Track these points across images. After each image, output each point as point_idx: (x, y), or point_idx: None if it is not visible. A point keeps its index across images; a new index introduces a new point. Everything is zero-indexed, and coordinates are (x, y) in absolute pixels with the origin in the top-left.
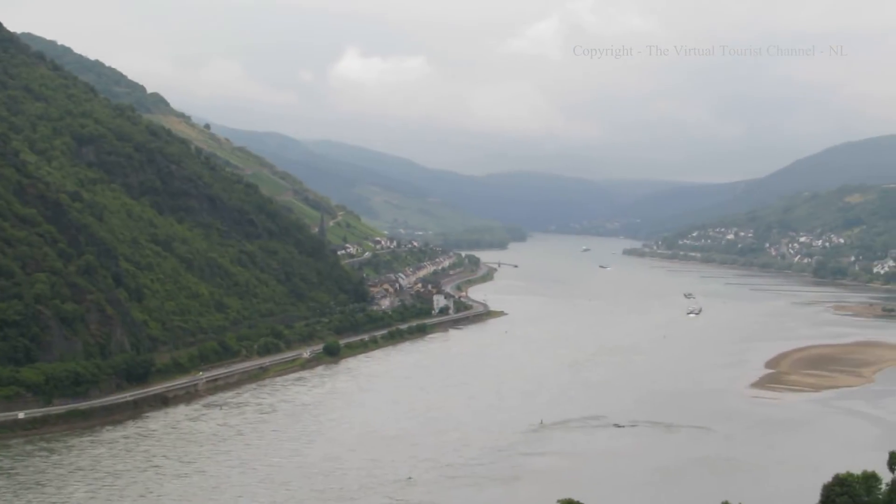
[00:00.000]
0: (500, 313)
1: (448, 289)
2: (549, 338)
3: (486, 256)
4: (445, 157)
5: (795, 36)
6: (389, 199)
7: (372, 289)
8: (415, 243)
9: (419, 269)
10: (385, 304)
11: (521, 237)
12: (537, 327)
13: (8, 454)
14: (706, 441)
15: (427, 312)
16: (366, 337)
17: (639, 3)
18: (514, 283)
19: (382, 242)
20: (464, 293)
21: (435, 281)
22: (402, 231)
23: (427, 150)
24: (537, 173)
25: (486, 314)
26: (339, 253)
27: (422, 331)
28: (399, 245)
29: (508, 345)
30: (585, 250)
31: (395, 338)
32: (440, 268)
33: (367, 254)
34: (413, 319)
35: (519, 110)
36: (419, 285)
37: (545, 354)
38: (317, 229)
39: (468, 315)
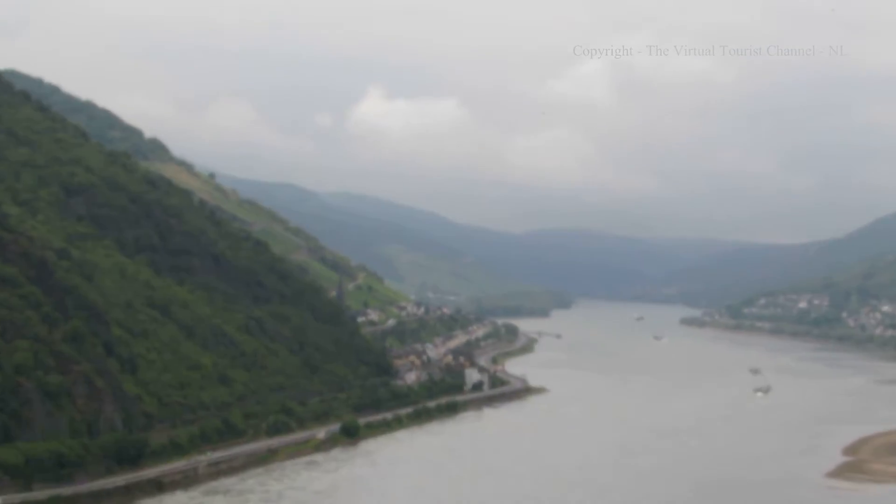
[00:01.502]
0: (541, 390)
1: (482, 361)
2: (595, 418)
3: (526, 325)
4: (480, 212)
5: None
6: (416, 259)
7: (396, 361)
8: (445, 310)
9: (450, 338)
10: (411, 378)
11: (565, 304)
12: (582, 406)
13: None
14: None
15: (458, 388)
16: (388, 415)
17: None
18: (556, 355)
19: (408, 308)
20: (500, 367)
21: (467, 352)
22: (430, 295)
23: (459, 204)
24: (583, 231)
25: (524, 391)
26: (359, 320)
27: (452, 409)
28: (427, 311)
29: (550, 426)
30: (638, 319)
31: (421, 417)
32: (473, 338)
33: (390, 321)
34: (442, 396)
35: (562, 160)
36: (449, 357)
37: (591, 437)
38: (334, 293)
39: (505, 392)
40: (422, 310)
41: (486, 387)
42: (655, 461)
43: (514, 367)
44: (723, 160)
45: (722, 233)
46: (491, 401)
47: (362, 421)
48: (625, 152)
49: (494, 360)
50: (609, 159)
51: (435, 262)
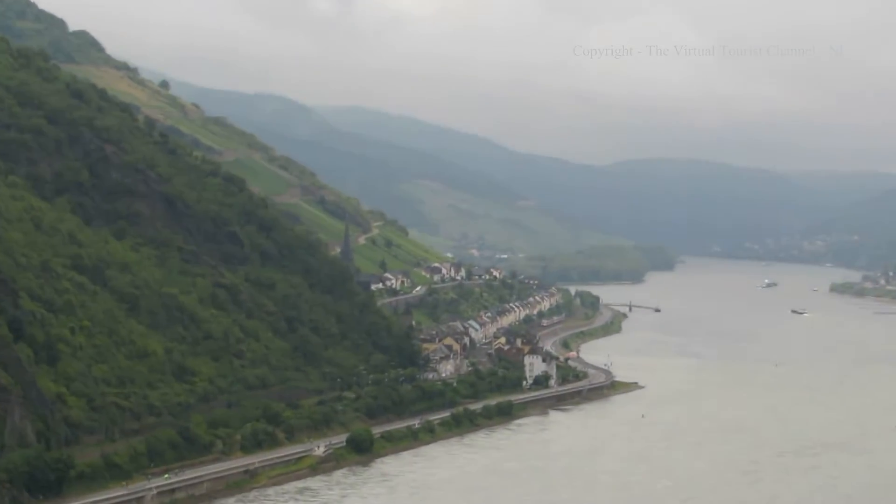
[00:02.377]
0: (632, 386)
1: (549, 346)
2: (709, 426)
3: (611, 294)
4: (546, 137)
5: None
6: (455, 202)
7: (426, 346)
8: (496, 272)
9: (502, 313)
10: (447, 369)
11: (665, 264)
12: (690, 409)
13: None
14: None
15: (514, 384)
16: (415, 423)
17: None
18: (653, 336)
19: (444, 271)
20: (574, 353)
21: (528, 334)
22: (475, 253)
23: (514, 125)
24: (692, 163)
25: (608, 387)
26: (373, 288)
27: (506, 413)
28: (470, 276)
29: (645, 437)
30: (769, 285)
31: (461, 424)
32: (536, 312)
33: (418, 289)
34: (491, 395)
35: (660, 59)
36: (502, 340)
37: (704, 453)
38: (339, 250)
39: (581, 388)
40: (462, 273)
41: (553, 382)
42: (800, 488)
43: (595, 354)
44: (889, 58)
45: (890, 164)
46: (561, 401)
47: (377, 431)
48: (752, 51)
49: (566, 345)
50: (728, 59)
51: (482, 205)
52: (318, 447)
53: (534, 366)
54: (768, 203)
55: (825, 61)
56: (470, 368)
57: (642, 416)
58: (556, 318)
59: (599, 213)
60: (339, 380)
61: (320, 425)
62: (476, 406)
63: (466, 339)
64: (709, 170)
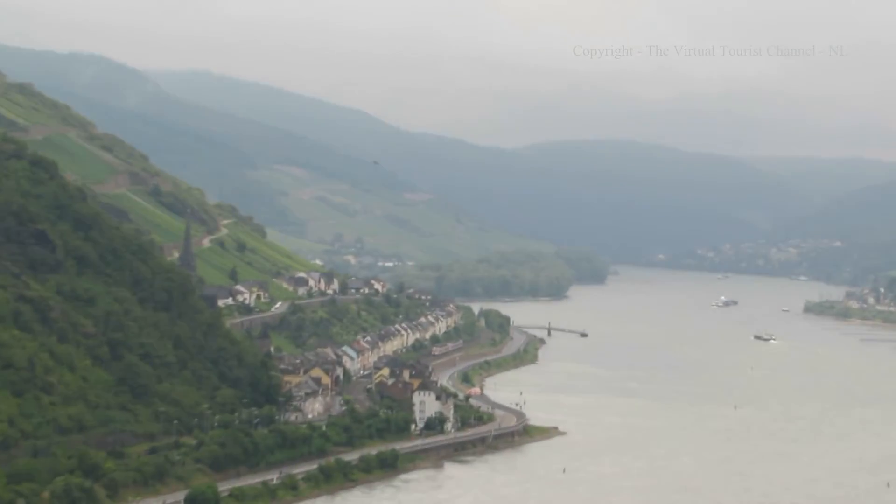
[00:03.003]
0: (551, 431)
1: (445, 380)
2: (647, 485)
3: (525, 314)
4: (441, 112)
5: None
6: (326, 195)
7: (287, 378)
8: (378, 285)
9: (385, 338)
10: (314, 408)
11: (595, 276)
12: (624, 462)
13: None
14: None
15: (401, 428)
16: (273, 477)
17: None
18: (578, 368)
19: (312, 283)
20: (477, 389)
21: (418, 364)
22: (351, 260)
23: (403, 98)
24: (631, 145)
25: (521, 433)
26: (221, 304)
27: (389, 466)
28: (345, 289)
29: (565, 499)
30: (727, 304)
31: (332, 480)
32: (428, 336)
33: (278, 305)
34: (371, 443)
35: (587, 14)
36: (385, 372)
37: None
38: (177, 255)
39: (485, 434)
40: (335, 286)
41: (450, 426)
42: None
43: (504, 391)
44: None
45: (882, 148)
46: (460, 451)
47: (224, 487)
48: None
49: (467, 378)
50: (678, 13)
51: (361, 199)
52: None
53: (425, 405)
54: (728, 196)
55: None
56: (344, 408)
57: (563, 470)
58: (453, 345)
59: (511, 211)
60: (176, 421)
61: (152, 480)
62: (352, 456)
63: (340, 371)
64: (651, 155)
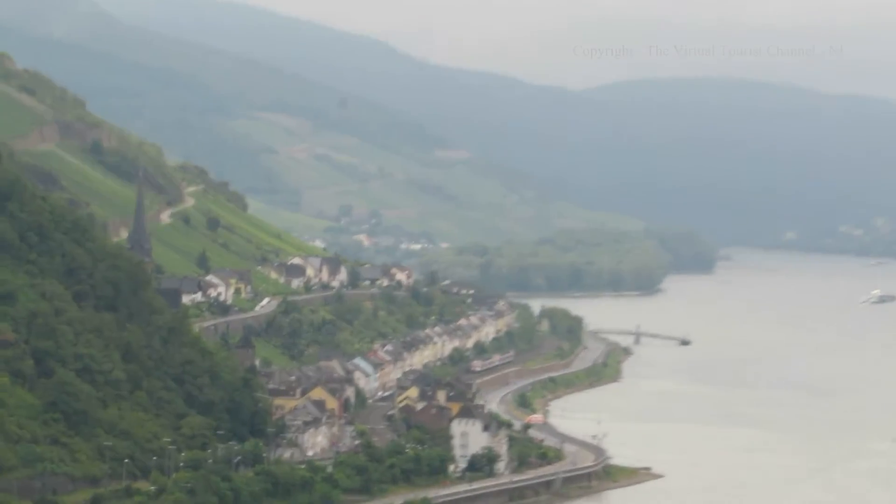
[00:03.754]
0: (641, 474)
1: (495, 404)
2: None
3: (603, 314)
4: (480, 41)
5: None
6: (329, 152)
7: (279, 402)
8: (401, 275)
9: (412, 346)
10: (317, 443)
11: (699, 262)
12: None
13: None
14: None
15: (436, 468)
16: None
17: None
18: (677, 388)
19: (311, 272)
20: (539, 416)
21: (458, 382)
22: (363, 241)
23: (429, 24)
24: (743, 85)
25: (600, 475)
26: (187, 301)
27: None
28: (356, 281)
29: None
30: (882, 300)
31: None
32: (471, 344)
33: (265, 302)
34: (395, 490)
35: None
36: (412, 392)
37: None
38: (126, 235)
39: (552, 477)
40: (343, 276)
41: (504, 465)
42: None
43: (576, 419)
44: None
45: None
46: (516, 500)
47: None
48: None
49: (525, 402)
50: None
51: (376, 158)
52: None
53: (469, 438)
54: (882, 157)
55: None
56: (357, 442)
57: None
58: (505, 356)
59: (582, 175)
60: (127, 461)
61: None
62: None
63: (350, 392)
64: (775, 98)
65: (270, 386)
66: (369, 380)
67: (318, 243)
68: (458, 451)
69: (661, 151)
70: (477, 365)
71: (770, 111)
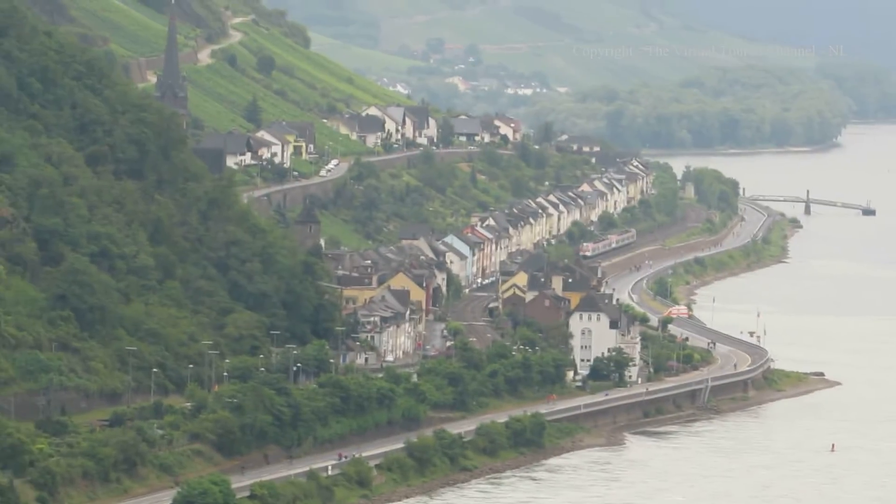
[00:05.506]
0: (813, 381)
1: (627, 291)
2: None
3: (764, 176)
4: None
5: None
6: None
7: (350, 292)
8: (507, 129)
9: (521, 220)
10: (398, 344)
11: (890, 107)
12: None
13: None
14: None
15: (551, 377)
16: (328, 465)
17: None
18: (857, 268)
19: (391, 125)
20: (683, 308)
21: (579, 264)
22: (458, 85)
23: None
24: None
25: (760, 383)
26: (233, 164)
27: (531, 443)
28: (449, 136)
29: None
30: None
31: (430, 468)
32: (595, 217)
33: (333, 165)
34: (499, 404)
35: None
36: (521, 279)
37: None
38: (155, 79)
39: (698, 386)
40: (432, 130)
41: (637, 372)
42: None
43: (730, 310)
44: None
45: None
46: (653, 415)
47: (241, 484)
48: None
49: (664, 290)
50: None
51: None
52: None
53: (593, 337)
54: None
55: None
56: (450, 344)
57: (831, 448)
58: (624, 235)
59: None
60: (156, 370)
61: (116, 472)
62: (465, 428)
63: (441, 279)
64: None
65: (339, 272)
66: (465, 264)
67: (401, 89)
68: (578, 355)
69: None
70: (607, 243)
71: None
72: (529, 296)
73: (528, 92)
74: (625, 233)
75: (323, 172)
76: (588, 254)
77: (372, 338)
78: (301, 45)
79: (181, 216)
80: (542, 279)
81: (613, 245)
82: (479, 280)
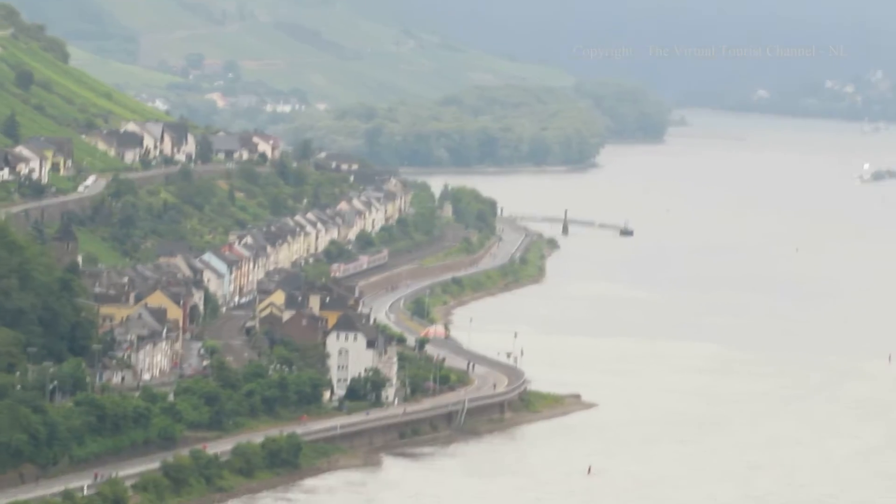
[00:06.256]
0: (569, 402)
1: (384, 311)
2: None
3: (522, 195)
4: None
5: None
6: None
7: (108, 310)
8: (266, 146)
9: (279, 237)
10: (155, 363)
11: (647, 127)
12: (696, 457)
13: None
14: None
15: (307, 397)
16: (84, 484)
17: None
18: (613, 290)
19: (149, 141)
20: (440, 328)
21: (336, 284)
22: (217, 101)
23: None
24: None
25: (516, 404)
26: None
27: (286, 463)
28: (207, 153)
29: None
30: (876, 178)
31: (186, 487)
32: (354, 235)
33: (90, 181)
34: (255, 424)
35: None
36: (278, 297)
37: None
38: None
39: (454, 408)
40: (190, 147)
41: (394, 392)
42: None
43: (487, 330)
44: None
45: None
46: (409, 436)
47: None
48: None
49: (422, 309)
50: None
51: None
52: None
53: (350, 357)
54: None
55: None
56: (206, 363)
57: (588, 471)
58: (376, 256)
59: (495, 13)
60: None
61: None
62: (221, 447)
63: (199, 297)
64: None
65: (96, 290)
66: (222, 282)
67: (160, 104)
68: (335, 374)
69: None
70: (364, 261)
71: None
72: (286, 315)
73: (287, 109)
74: (377, 253)
75: (81, 189)
76: (338, 275)
77: (129, 356)
78: (60, 60)
79: None
80: (300, 298)
81: (365, 266)
82: (237, 299)
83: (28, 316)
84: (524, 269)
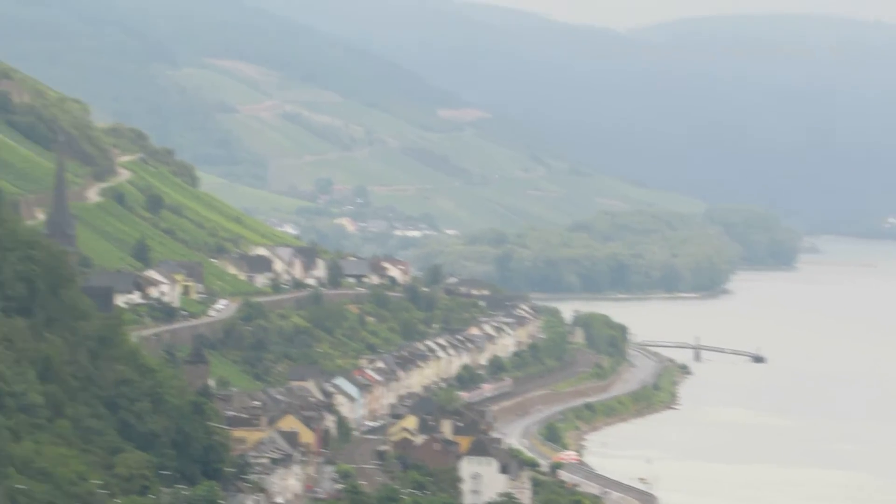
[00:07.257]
0: None
1: (517, 436)
2: None
3: (653, 321)
4: None
5: None
6: (302, 111)
7: (241, 433)
8: (396, 271)
9: (410, 362)
10: (287, 486)
11: (778, 254)
12: None
13: None
14: None
15: None
16: None
17: None
18: (749, 416)
19: (280, 265)
20: (573, 453)
21: (469, 409)
22: (347, 226)
23: None
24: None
25: None
26: (121, 302)
27: None
28: (338, 278)
29: None
30: None
31: None
32: (485, 360)
33: (222, 305)
34: None
35: None
36: (410, 422)
37: None
38: (43, 217)
39: None
40: (321, 272)
41: None
42: None
43: (620, 456)
44: None
45: None
46: None
47: None
48: None
49: (555, 435)
50: None
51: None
52: None
53: (483, 482)
54: None
55: None
56: (339, 487)
57: None
58: (501, 384)
59: (625, 141)
60: None
61: None
62: None
63: (330, 421)
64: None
65: (228, 413)
66: (354, 406)
67: (289, 229)
68: (468, 499)
69: (729, 109)
70: (495, 387)
71: (876, 50)
72: (419, 439)
73: (417, 234)
74: (500, 381)
75: (212, 312)
76: (499, 391)
77: (261, 479)
78: (189, 184)
79: (70, 354)
80: (432, 422)
81: (486, 395)
82: (369, 422)
83: (161, 439)
84: (657, 394)
